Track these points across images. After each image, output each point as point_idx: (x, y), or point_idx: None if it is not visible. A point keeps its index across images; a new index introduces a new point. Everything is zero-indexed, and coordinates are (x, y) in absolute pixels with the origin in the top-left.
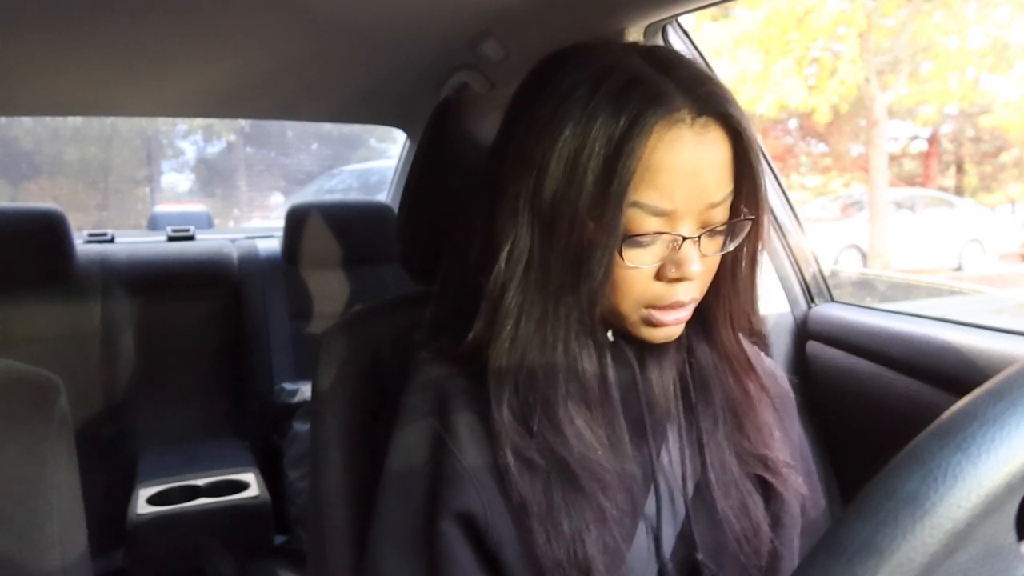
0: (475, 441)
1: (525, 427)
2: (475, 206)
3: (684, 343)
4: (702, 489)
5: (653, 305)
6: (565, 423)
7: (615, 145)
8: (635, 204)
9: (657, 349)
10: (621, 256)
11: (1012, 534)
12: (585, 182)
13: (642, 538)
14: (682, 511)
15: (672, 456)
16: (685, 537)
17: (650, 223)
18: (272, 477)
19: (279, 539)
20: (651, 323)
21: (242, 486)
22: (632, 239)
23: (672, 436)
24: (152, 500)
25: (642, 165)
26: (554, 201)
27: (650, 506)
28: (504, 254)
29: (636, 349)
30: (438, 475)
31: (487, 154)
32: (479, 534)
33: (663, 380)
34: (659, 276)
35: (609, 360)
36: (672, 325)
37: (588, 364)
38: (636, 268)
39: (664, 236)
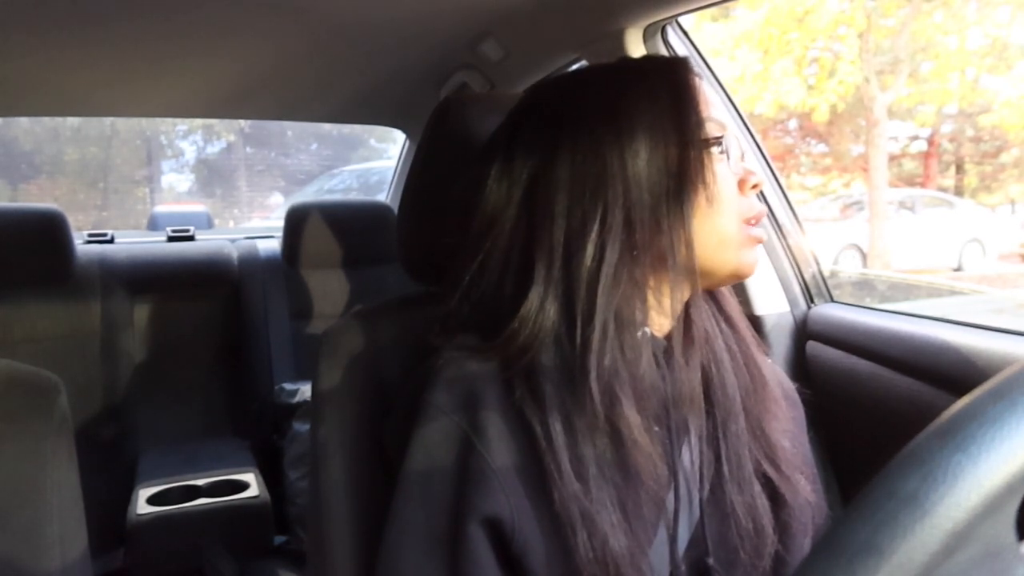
0: (504, 442)
1: (582, 425)
2: (507, 208)
3: (705, 337)
4: (715, 489)
5: (748, 219)
6: (621, 423)
7: (673, 90)
8: (708, 118)
9: (684, 345)
10: (712, 176)
11: (1012, 534)
12: (668, 136)
13: (661, 538)
14: (697, 512)
15: (692, 454)
16: (697, 540)
17: (719, 130)
18: (272, 477)
19: (279, 539)
20: (751, 240)
21: (242, 486)
22: (713, 147)
23: (693, 435)
24: (152, 500)
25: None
26: (646, 176)
27: (669, 505)
28: (585, 251)
29: (664, 346)
30: (464, 476)
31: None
32: (504, 539)
33: (690, 378)
34: (740, 188)
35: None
36: (761, 241)
37: (644, 360)
38: (726, 179)
39: (732, 141)
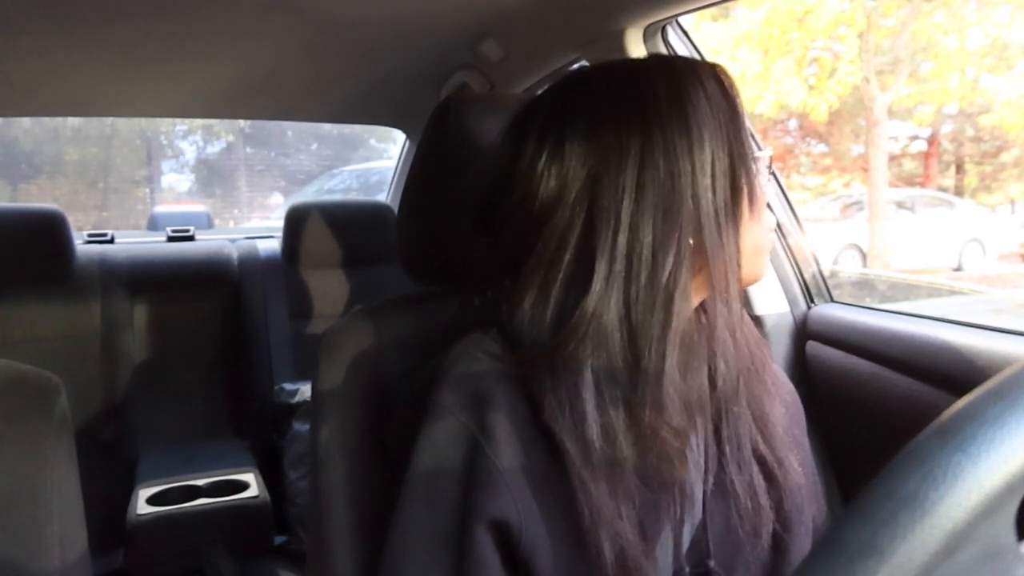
0: (512, 444)
1: (624, 439)
2: (557, 208)
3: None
4: (717, 483)
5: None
6: (664, 433)
7: (728, 97)
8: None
9: (703, 347)
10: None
11: (1012, 534)
12: (725, 145)
13: (666, 539)
14: (699, 512)
15: (697, 452)
16: (699, 541)
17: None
18: (272, 477)
19: (279, 539)
20: (770, 247)
21: (242, 486)
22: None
23: (700, 432)
24: (152, 500)
25: None
26: (711, 185)
27: (675, 508)
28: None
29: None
30: (471, 477)
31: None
32: (511, 542)
33: (701, 380)
34: None
35: None
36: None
37: (695, 371)
38: (765, 191)
39: (763, 160)
